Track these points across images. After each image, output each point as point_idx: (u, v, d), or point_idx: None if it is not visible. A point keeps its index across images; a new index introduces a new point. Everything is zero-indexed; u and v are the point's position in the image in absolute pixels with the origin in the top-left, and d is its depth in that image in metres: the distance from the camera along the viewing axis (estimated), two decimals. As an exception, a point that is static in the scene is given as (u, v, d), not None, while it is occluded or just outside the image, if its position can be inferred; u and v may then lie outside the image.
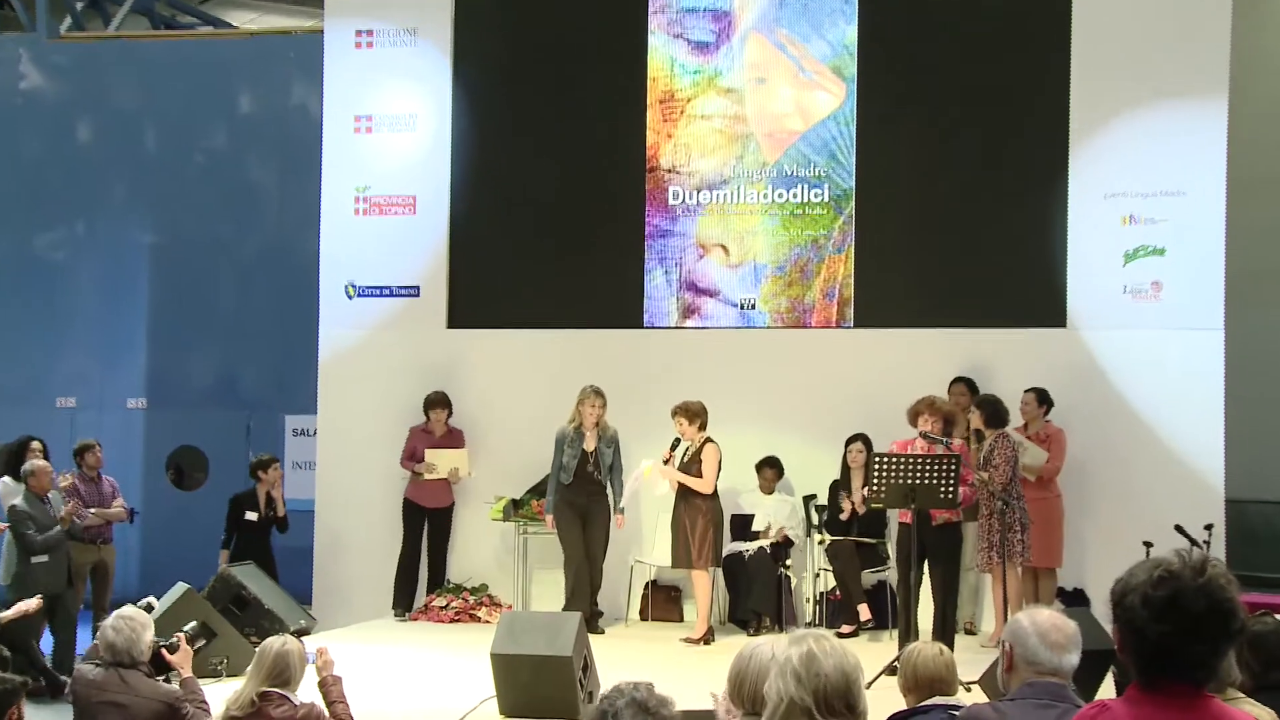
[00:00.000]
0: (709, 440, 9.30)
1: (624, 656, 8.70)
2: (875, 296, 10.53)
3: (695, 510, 9.30)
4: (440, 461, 10.37)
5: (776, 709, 3.23)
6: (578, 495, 9.76)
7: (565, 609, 9.26)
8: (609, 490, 9.80)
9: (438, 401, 10.49)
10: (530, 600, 10.63)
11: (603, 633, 9.58)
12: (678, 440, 9.43)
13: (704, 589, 9.35)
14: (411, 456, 10.42)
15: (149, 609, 7.13)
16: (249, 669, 5.51)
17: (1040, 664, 3.71)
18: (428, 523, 10.45)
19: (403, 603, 10.38)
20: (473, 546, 10.83)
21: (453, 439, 10.51)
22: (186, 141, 13.25)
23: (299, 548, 10.75)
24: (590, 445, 9.76)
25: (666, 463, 9.37)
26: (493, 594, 10.61)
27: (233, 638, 8.10)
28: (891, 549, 9.67)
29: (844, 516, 9.80)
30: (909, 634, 7.81)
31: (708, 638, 9.27)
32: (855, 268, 10.54)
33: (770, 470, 10.23)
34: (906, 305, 10.48)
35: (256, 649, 5.55)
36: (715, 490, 9.32)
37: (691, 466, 9.31)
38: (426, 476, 10.30)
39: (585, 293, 10.91)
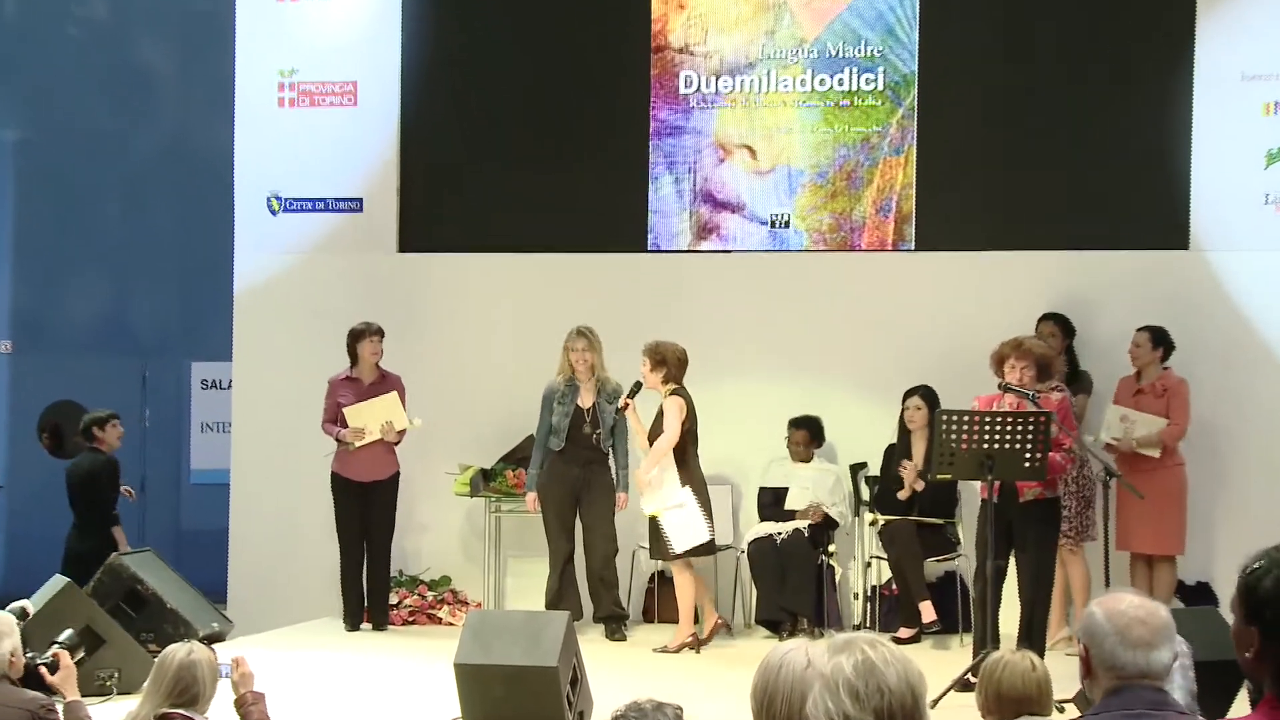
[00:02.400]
0: (675, 392, 9.34)
1: (624, 666, 8.72)
2: (942, 211, 10.55)
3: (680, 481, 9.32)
4: (366, 420, 9.99)
5: (826, 734, 3.23)
6: (572, 465, 9.77)
7: (548, 608, 9.36)
8: (612, 459, 9.80)
9: (365, 334, 10.07)
10: (505, 597, 10.68)
11: (624, 639, 9.62)
12: (639, 385, 9.48)
13: (686, 584, 9.40)
14: (333, 419, 10.12)
15: (23, 615, 7.11)
16: (146, 684, 5.50)
17: (1123, 667, 3.68)
18: (365, 503, 10.16)
19: (353, 612, 10.19)
20: (431, 529, 10.88)
21: (385, 386, 10.12)
22: (57, 8, 13.15)
23: (210, 531, 10.78)
24: (587, 401, 9.75)
25: (622, 411, 9.47)
26: (457, 589, 10.67)
27: (126, 645, 8.08)
28: (964, 531, 9.70)
29: (903, 495, 9.83)
30: (987, 640, 7.83)
31: (693, 643, 9.32)
32: (917, 174, 10.55)
33: (802, 432, 10.26)
34: (982, 222, 10.51)
35: (156, 659, 5.54)
36: (695, 453, 9.31)
37: (659, 430, 9.35)
38: (356, 445, 9.99)
39: (574, 208, 10.91)
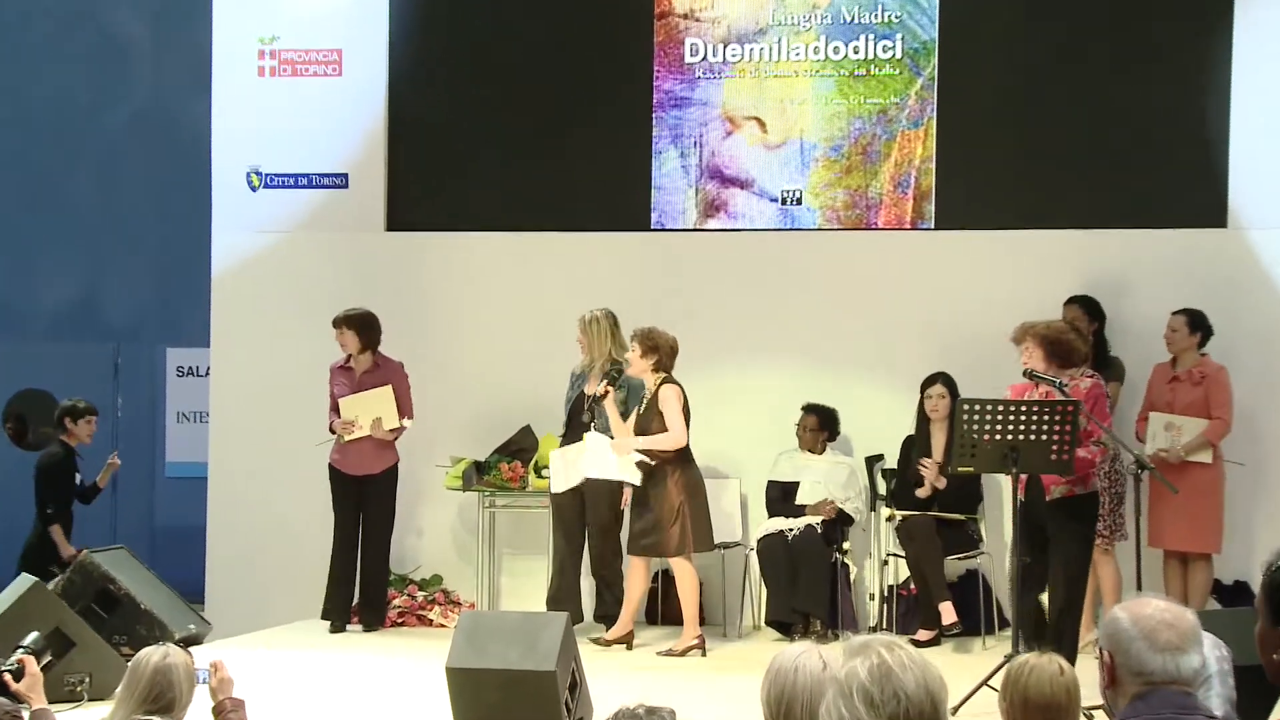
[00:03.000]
0: (667, 381, 9.36)
1: (625, 670, 8.73)
2: (964, 187, 10.55)
3: (660, 474, 9.33)
4: (358, 412, 10.04)
5: (840, 740, 3.22)
6: None
7: (548, 609, 9.39)
8: None
9: (347, 322, 10.08)
10: (500, 597, 10.73)
11: (630, 649, 9.54)
12: (619, 370, 9.49)
13: (689, 583, 9.40)
14: (335, 409, 10.23)
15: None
16: (119, 690, 5.44)
17: (1151, 673, 3.70)
18: (360, 497, 10.21)
19: (336, 611, 10.17)
20: (421, 526, 10.92)
21: (380, 375, 10.15)
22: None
23: (186, 527, 10.80)
24: (591, 387, 9.73)
25: (601, 399, 9.38)
26: (448, 589, 10.68)
27: (97, 649, 8.06)
28: (987, 528, 9.79)
29: (922, 493, 9.82)
30: (1018, 643, 7.84)
31: (699, 645, 9.32)
32: (937, 148, 10.55)
33: (813, 417, 10.26)
34: (1006, 199, 10.51)
35: (129, 663, 5.52)
36: (687, 444, 9.33)
37: (650, 421, 9.35)
38: (347, 438, 10.06)
39: (573, 184, 10.93)
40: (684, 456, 9.36)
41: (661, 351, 9.34)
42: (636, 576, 9.57)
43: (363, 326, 10.08)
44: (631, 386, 9.66)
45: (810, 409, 10.26)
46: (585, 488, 9.74)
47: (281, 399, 10.89)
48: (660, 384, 9.34)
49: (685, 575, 9.43)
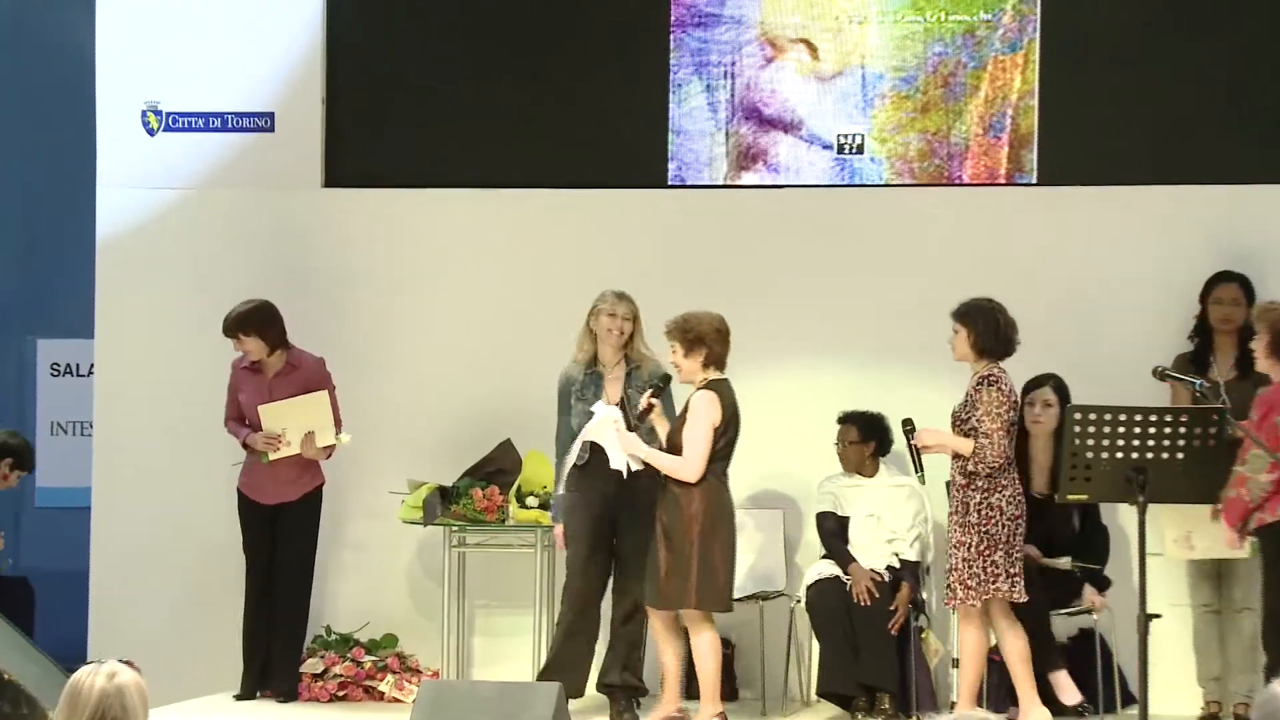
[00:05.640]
0: (709, 385, 9.34)
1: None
2: (1075, 131, 10.59)
3: (675, 507, 9.32)
4: (286, 423, 10.12)
5: None
6: (600, 482, 9.65)
7: (541, 677, 9.35)
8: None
9: (242, 327, 10.07)
10: (471, 663, 10.77)
11: None
12: (666, 379, 9.51)
13: (704, 646, 9.35)
14: (238, 416, 10.30)
15: None
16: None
17: None
18: (274, 532, 10.34)
19: (253, 674, 10.28)
20: (367, 570, 10.93)
21: (298, 377, 10.24)
22: None
23: (63, 573, 10.79)
24: (613, 393, 9.67)
25: (644, 416, 9.36)
26: (404, 652, 10.62)
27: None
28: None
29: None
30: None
31: None
32: (1040, 80, 10.60)
33: (852, 428, 10.24)
34: (1127, 147, 10.53)
35: (65, 688, 5.46)
36: (706, 475, 9.31)
37: (679, 433, 9.37)
38: (272, 457, 10.14)
39: (565, 127, 10.97)
40: (711, 481, 9.30)
41: (708, 341, 9.27)
42: (660, 636, 9.48)
43: (263, 326, 10.13)
44: (641, 375, 9.70)
45: (849, 418, 10.26)
46: (617, 511, 9.65)
47: (185, 405, 10.84)
48: (700, 386, 9.31)
49: (699, 635, 9.35)
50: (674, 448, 9.30)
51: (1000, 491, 9.04)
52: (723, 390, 9.28)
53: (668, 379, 9.46)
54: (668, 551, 9.24)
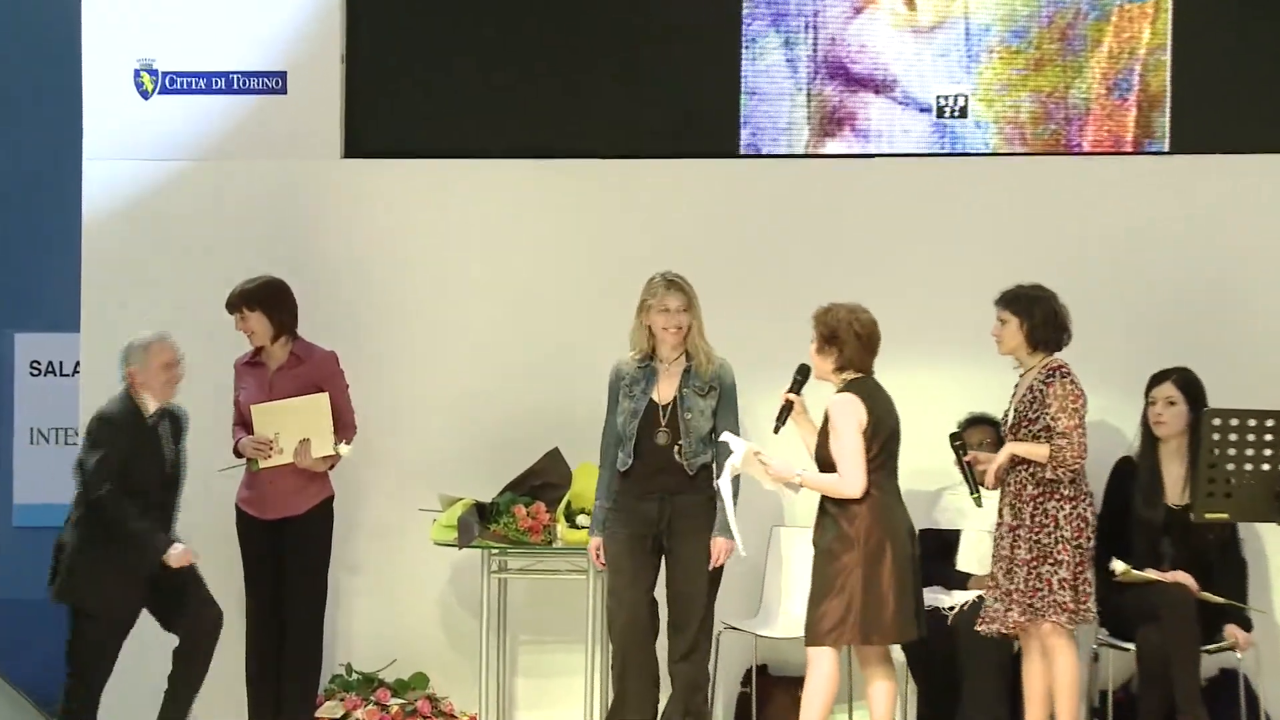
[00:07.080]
0: (847, 386, 9.28)
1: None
2: (1214, 93, 10.66)
3: (832, 528, 9.25)
4: (279, 426, 10.24)
5: None
6: (645, 496, 9.74)
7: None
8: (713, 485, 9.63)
9: (246, 301, 10.25)
10: (515, 705, 10.91)
11: None
12: (806, 371, 9.37)
13: (815, 684, 9.28)
14: (243, 422, 10.39)
15: None
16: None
17: None
18: (279, 551, 10.39)
19: (261, 715, 10.34)
20: (394, 599, 10.95)
21: (303, 373, 10.35)
22: None
23: (44, 601, 10.72)
24: (666, 393, 9.68)
25: (785, 416, 9.31)
26: (436, 694, 10.77)
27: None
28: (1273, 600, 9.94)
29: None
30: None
31: None
32: (1173, 33, 10.70)
33: (983, 433, 10.21)
34: (1275, 108, 10.64)
35: None
36: (869, 487, 9.20)
37: (826, 446, 9.28)
38: (262, 465, 10.23)
39: (626, 90, 11.13)
40: (875, 496, 9.15)
41: (842, 338, 9.21)
42: (824, 680, 9.31)
43: (272, 303, 10.25)
44: (724, 385, 9.74)
45: (974, 422, 10.26)
46: (664, 532, 9.71)
47: (188, 405, 10.66)
48: (840, 389, 9.23)
49: (816, 673, 9.18)
50: (822, 463, 9.22)
51: (1083, 500, 9.25)
52: (862, 389, 9.17)
53: (807, 370, 9.36)
54: (818, 578, 9.20)
